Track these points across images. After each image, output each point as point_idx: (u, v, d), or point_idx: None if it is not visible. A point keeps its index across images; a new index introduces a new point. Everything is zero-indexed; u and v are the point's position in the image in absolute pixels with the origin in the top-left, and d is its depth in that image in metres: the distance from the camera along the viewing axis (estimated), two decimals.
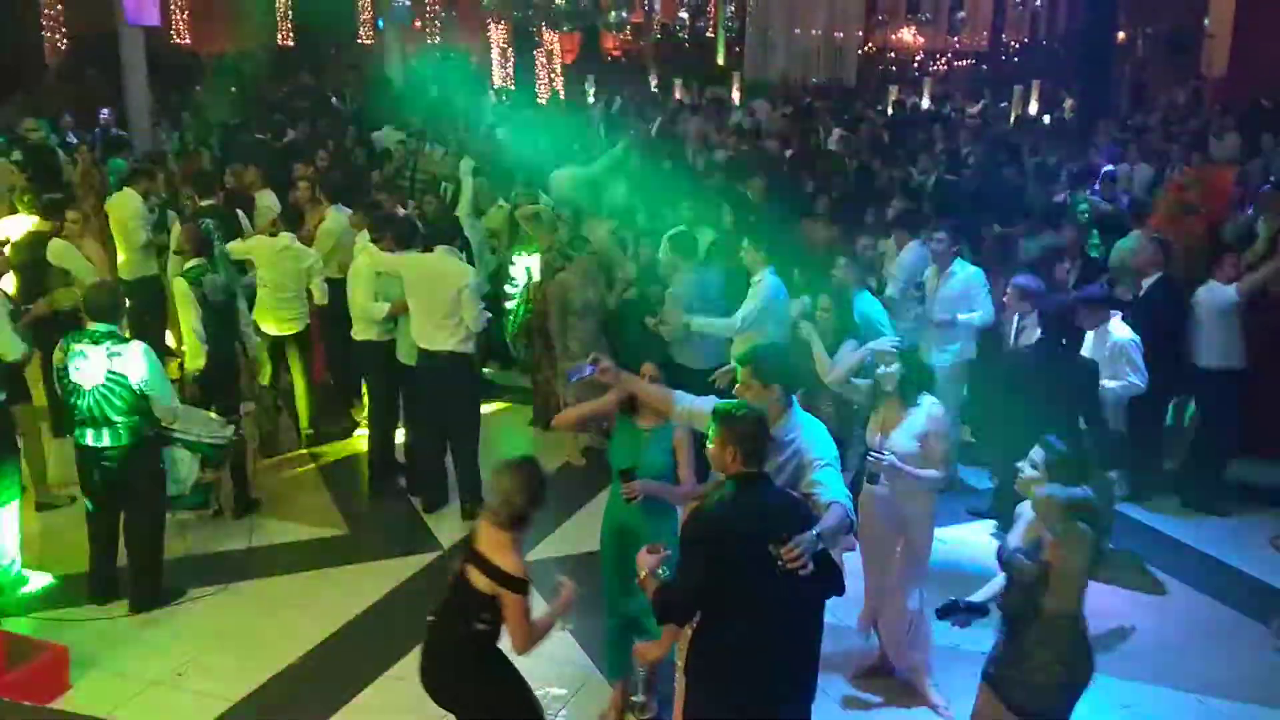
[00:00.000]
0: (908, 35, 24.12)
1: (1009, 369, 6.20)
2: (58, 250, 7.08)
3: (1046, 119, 16.61)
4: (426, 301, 6.41)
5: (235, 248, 7.38)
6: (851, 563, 4.64)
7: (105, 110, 13.00)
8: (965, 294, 6.78)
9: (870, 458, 4.70)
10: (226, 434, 5.77)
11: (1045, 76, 18.74)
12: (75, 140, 12.45)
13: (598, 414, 4.68)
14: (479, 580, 3.57)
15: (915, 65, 23.11)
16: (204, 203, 8.09)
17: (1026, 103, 17.67)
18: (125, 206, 8.31)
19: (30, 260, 7.03)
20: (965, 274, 6.86)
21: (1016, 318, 6.56)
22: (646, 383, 4.42)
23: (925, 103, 18.45)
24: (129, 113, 13.54)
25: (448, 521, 6.60)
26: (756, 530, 3.29)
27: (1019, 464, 3.98)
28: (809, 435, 3.90)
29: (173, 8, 15.41)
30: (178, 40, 16.42)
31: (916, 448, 4.63)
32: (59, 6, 14.30)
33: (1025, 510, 3.91)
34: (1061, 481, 3.70)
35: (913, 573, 4.78)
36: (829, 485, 3.70)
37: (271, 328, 7.29)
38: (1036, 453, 3.93)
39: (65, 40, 14.62)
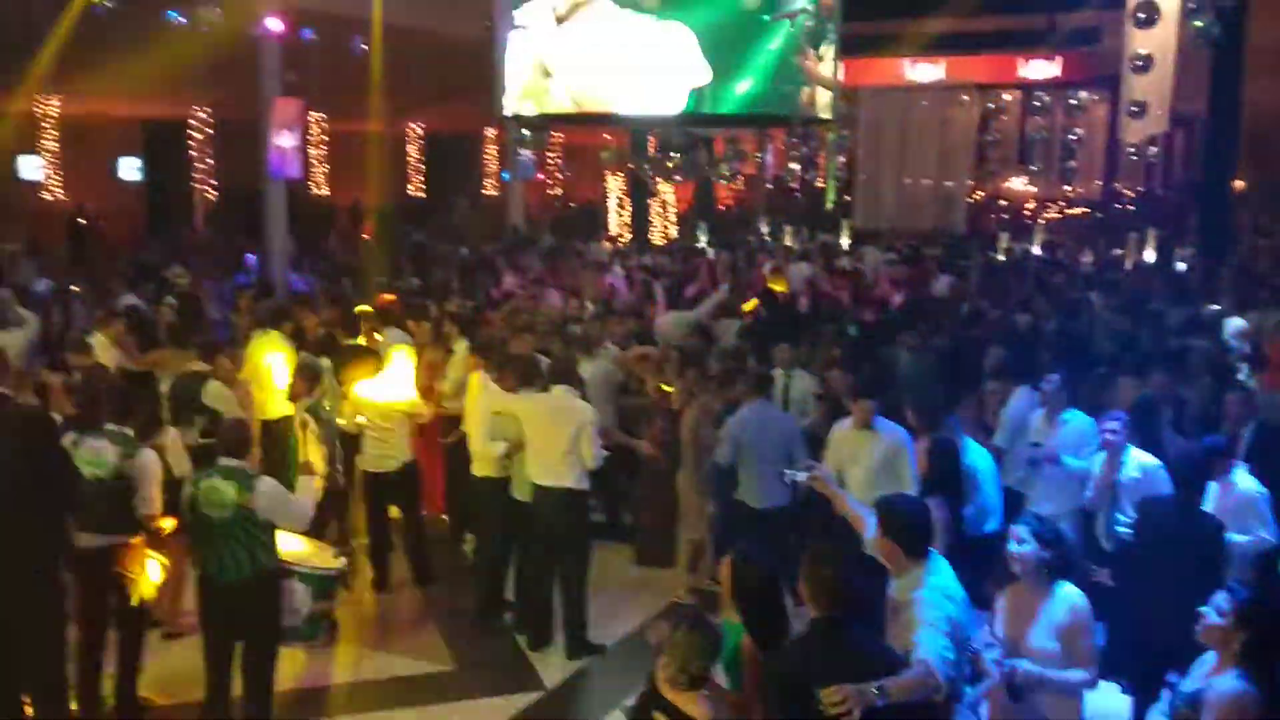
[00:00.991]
0: (1018, 183, 24.20)
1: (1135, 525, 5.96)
2: (214, 392, 7.45)
3: (1163, 267, 16.36)
4: (544, 439, 6.59)
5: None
6: None
7: (252, 256, 13.84)
8: (1078, 443, 6.66)
9: (1003, 666, 4.07)
10: (338, 565, 5.96)
11: (1161, 224, 18.55)
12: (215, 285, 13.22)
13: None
14: None
15: (1026, 213, 23.13)
16: (348, 342, 8.51)
17: (1142, 250, 17.47)
18: (266, 348, 8.68)
19: (186, 398, 7.44)
20: (1078, 422, 6.74)
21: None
22: (848, 502, 4.52)
23: (1036, 249, 18.39)
24: (271, 258, 14.47)
25: (553, 660, 6.61)
26: (825, 674, 3.24)
27: (1202, 609, 3.71)
28: (928, 595, 3.82)
29: (312, 162, 16.48)
30: (316, 191, 17.51)
31: (1057, 647, 4.04)
32: (209, 161, 15.45)
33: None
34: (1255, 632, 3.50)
35: None
36: (924, 644, 3.61)
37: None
38: (1221, 600, 3.68)
39: (214, 191, 15.74)
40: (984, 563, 5.19)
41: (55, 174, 13.66)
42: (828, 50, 8.33)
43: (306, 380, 7.02)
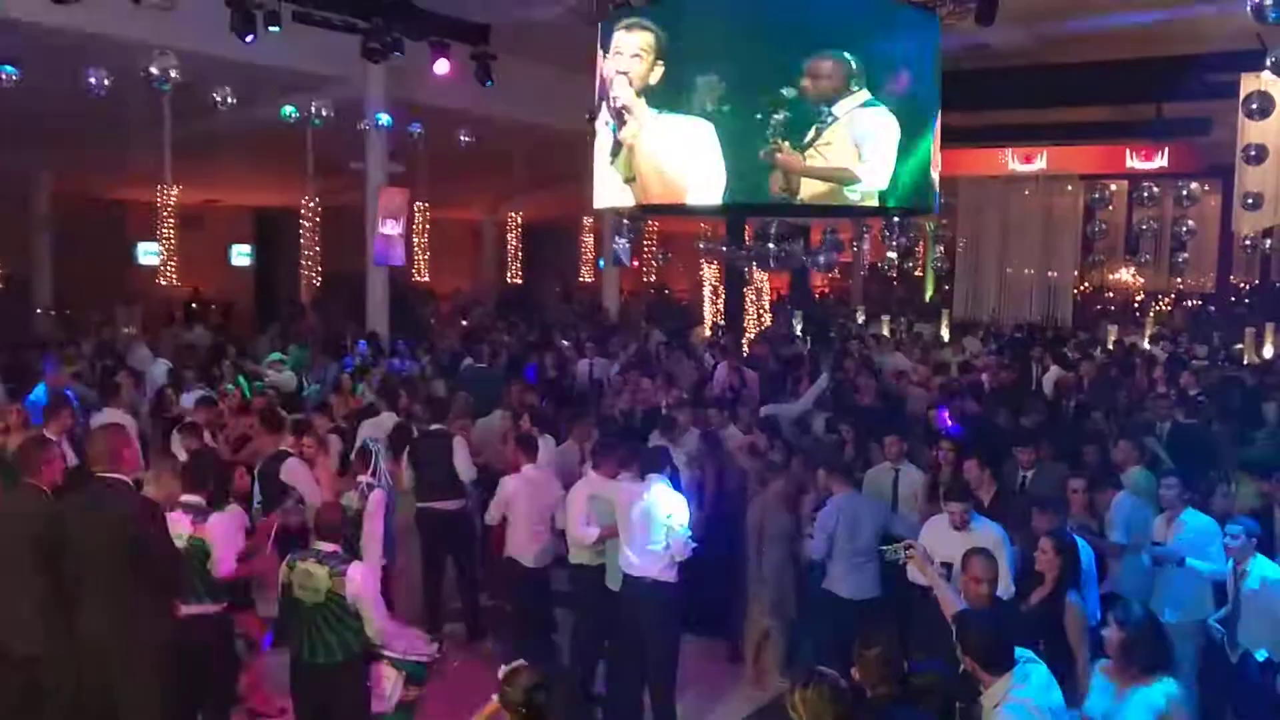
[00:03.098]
0: (1126, 275, 23.60)
1: None
2: (290, 469, 7.57)
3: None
4: (634, 528, 6.49)
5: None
6: None
7: (364, 343, 14.19)
8: (1197, 546, 6.31)
9: None
10: (431, 651, 5.89)
11: None
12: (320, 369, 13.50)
13: None
14: None
15: (1135, 305, 22.53)
16: (433, 427, 8.57)
17: (1260, 345, 16.79)
18: (381, 426, 8.77)
19: (267, 475, 7.57)
20: (1198, 524, 6.41)
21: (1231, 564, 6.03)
22: (945, 587, 4.66)
23: (1146, 344, 17.83)
24: (371, 343, 14.75)
25: None
26: None
27: None
28: (1010, 710, 3.80)
29: (415, 249, 16.87)
30: (417, 279, 17.88)
31: None
32: (317, 249, 15.93)
33: None
34: None
35: None
36: None
37: None
38: None
39: (319, 277, 16.20)
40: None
41: (171, 259, 14.16)
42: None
43: (362, 460, 7.16)
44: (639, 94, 6.91)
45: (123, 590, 5.09)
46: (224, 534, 5.79)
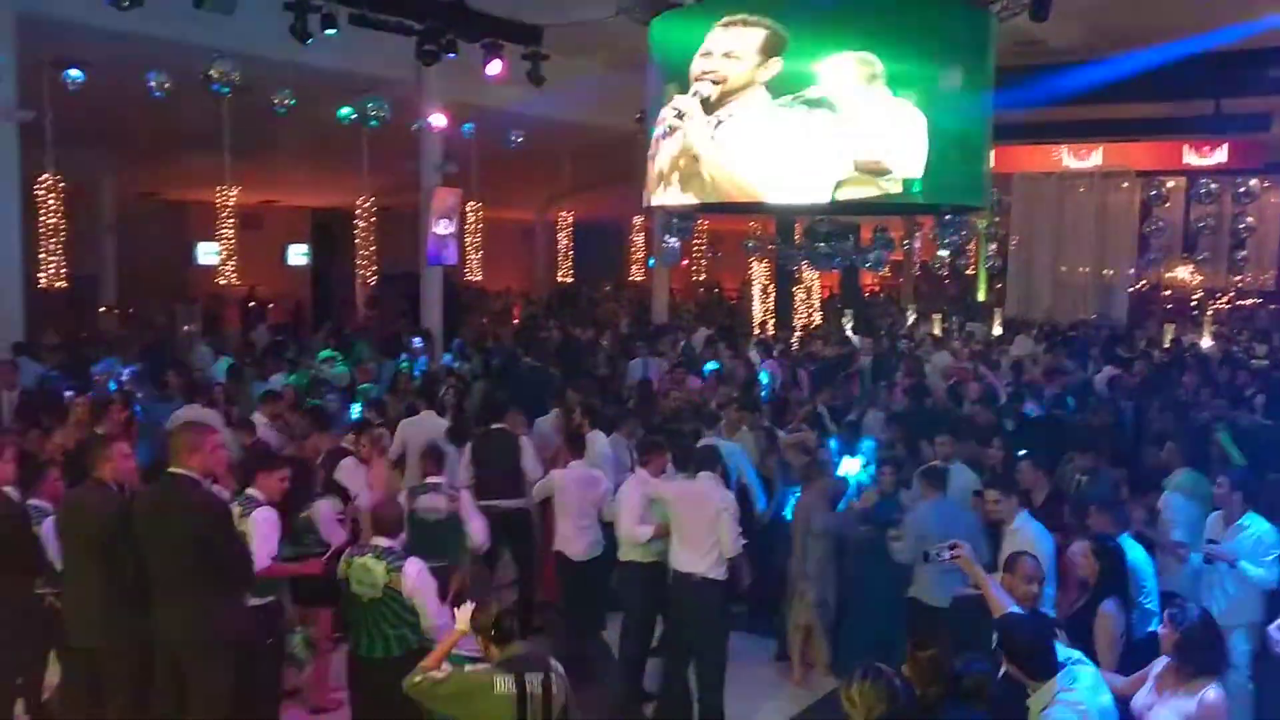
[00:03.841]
0: (1184, 273, 23.19)
1: None
2: (345, 469, 7.64)
3: None
4: (685, 526, 6.55)
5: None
6: None
7: (419, 340, 14.40)
8: (1254, 552, 6.24)
9: None
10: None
11: None
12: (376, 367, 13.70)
13: None
14: None
15: (1193, 304, 22.13)
16: (494, 426, 8.65)
17: None
18: (421, 426, 8.97)
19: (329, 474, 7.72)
20: (1259, 529, 6.31)
21: None
22: (991, 586, 4.61)
23: (1206, 342, 17.53)
24: (426, 340, 14.96)
25: None
26: None
27: None
28: (1058, 714, 3.78)
29: (468, 249, 17.07)
30: (470, 277, 18.09)
31: None
32: (372, 248, 16.18)
33: None
34: None
35: None
36: None
37: None
38: None
39: (374, 276, 16.46)
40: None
41: (230, 259, 14.47)
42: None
43: (435, 461, 7.29)
44: (732, 91, 7.01)
45: (191, 586, 5.21)
46: (264, 530, 5.78)
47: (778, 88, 6.94)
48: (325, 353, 13.52)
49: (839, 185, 6.88)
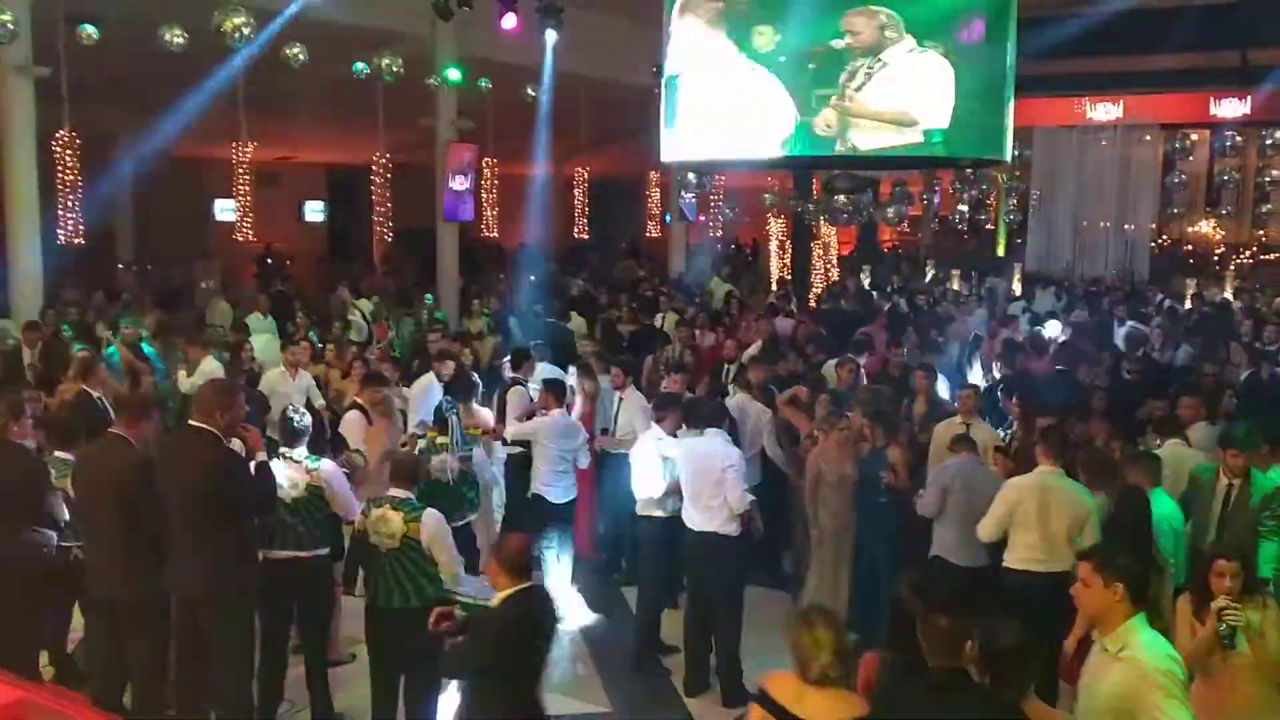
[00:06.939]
0: (1206, 228, 22.90)
1: None
2: (348, 421, 7.74)
3: None
4: (694, 483, 6.57)
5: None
6: None
7: (429, 296, 14.44)
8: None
9: None
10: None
11: None
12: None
13: None
14: None
15: (1215, 259, 21.87)
16: (510, 376, 8.83)
17: None
18: (423, 385, 8.99)
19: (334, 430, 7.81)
20: (1265, 485, 6.27)
21: None
22: None
23: (1229, 296, 17.36)
24: (441, 296, 14.98)
25: (709, 707, 6.52)
26: None
27: None
28: (1150, 656, 3.56)
29: (484, 206, 16.99)
30: (485, 233, 18.02)
31: None
32: (389, 205, 16.13)
33: None
34: None
35: None
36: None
37: None
38: None
39: (390, 234, 16.42)
40: None
41: (247, 216, 14.46)
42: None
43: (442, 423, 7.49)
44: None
45: (206, 538, 5.24)
46: (340, 477, 5.87)
47: None
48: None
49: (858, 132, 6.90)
